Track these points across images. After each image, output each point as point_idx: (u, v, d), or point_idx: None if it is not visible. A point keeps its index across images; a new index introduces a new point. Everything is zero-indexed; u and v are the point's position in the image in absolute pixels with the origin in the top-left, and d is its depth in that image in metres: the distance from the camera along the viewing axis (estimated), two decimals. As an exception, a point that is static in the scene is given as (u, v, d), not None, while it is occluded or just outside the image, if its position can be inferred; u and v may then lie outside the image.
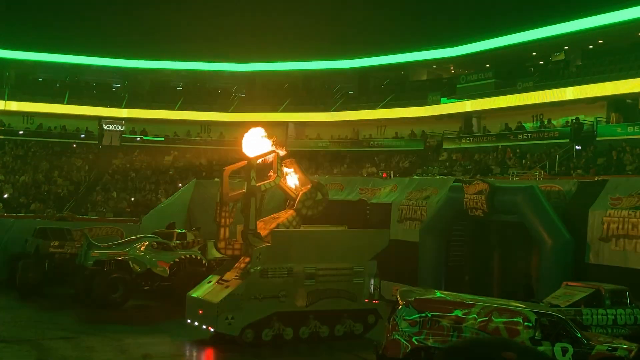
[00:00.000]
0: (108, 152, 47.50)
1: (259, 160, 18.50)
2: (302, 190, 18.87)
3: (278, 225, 18.24)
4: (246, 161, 18.38)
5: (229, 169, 18.62)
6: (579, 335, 13.12)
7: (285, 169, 18.99)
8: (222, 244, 18.22)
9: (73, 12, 61.32)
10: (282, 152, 18.95)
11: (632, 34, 32.78)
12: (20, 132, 48.15)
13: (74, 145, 48.63)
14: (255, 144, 18.84)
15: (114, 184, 43.85)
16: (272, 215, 19.06)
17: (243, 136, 19.16)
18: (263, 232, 17.89)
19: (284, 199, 20.09)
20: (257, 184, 17.96)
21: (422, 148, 40.12)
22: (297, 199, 18.73)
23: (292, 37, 57.96)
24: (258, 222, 18.03)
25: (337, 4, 64.76)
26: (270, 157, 18.65)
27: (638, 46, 33.14)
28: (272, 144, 18.92)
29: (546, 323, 13.06)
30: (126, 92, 52.26)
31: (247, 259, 17.53)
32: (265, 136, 19.00)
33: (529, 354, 11.51)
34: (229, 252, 18.30)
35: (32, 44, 48.87)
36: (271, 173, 18.63)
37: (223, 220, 18.07)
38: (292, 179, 19.16)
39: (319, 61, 48.55)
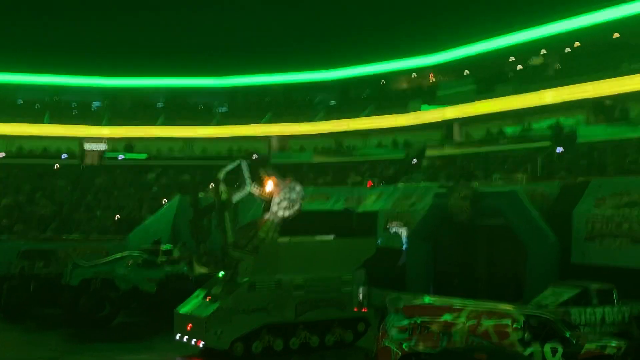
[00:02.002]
0: (90, 172, 47.23)
1: (228, 169, 18.38)
2: (276, 192, 18.68)
3: (257, 232, 18.06)
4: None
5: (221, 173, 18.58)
6: (568, 335, 13.15)
7: (255, 177, 18.81)
8: (203, 259, 18.15)
9: (50, 33, 61.15)
10: (246, 160, 18.78)
11: (607, 35, 33.22)
12: (1, 154, 47.73)
13: (56, 166, 48.26)
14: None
15: (97, 203, 43.55)
16: (250, 222, 18.92)
17: (227, 151, 19.05)
18: (243, 242, 17.79)
19: (259, 204, 19.90)
20: (229, 197, 17.84)
21: (405, 156, 40.25)
22: (272, 202, 18.57)
23: (272, 50, 58.15)
24: (237, 231, 17.96)
25: (315, 16, 65.04)
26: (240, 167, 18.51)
27: (615, 47, 33.56)
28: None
29: (535, 324, 13.07)
30: (107, 111, 52.06)
31: (231, 271, 17.45)
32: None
33: (499, 354, 11.70)
34: (212, 266, 18.22)
35: (10, 66, 48.60)
36: (241, 182, 18.50)
37: (200, 235, 18.00)
38: (264, 182, 18.95)
39: (299, 73, 48.73)
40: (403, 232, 24.34)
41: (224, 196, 17.70)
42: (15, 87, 50.19)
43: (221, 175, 18.11)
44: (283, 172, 19.85)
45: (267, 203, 18.84)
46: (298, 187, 18.81)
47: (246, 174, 18.29)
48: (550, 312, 14.50)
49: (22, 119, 48.70)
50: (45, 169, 47.56)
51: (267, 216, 18.49)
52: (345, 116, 46.11)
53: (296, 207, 18.64)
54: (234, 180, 19.08)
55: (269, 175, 18.77)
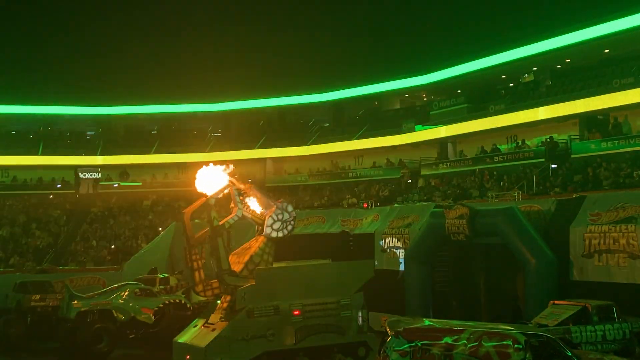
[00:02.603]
0: (85, 201, 47.08)
1: (219, 196, 18.25)
2: (267, 214, 18.55)
3: (251, 256, 17.90)
4: (204, 199, 18.17)
5: (188, 211, 18.43)
6: (570, 354, 13.09)
7: (246, 200, 18.71)
8: (199, 287, 17.99)
9: (43, 64, 61.43)
10: (237, 184, 18.61)
11: (598, 51, 33.37)
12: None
13: (51, 196, 48.11)
14: (209, 181, 18.55)
15: (93, 232, 43.38)
16: (243, 246, 18.74)
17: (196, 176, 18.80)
18: (238, 267, 17.66)
19: (251, 225, 19.73)
20: (220, 223, 17.71)
21: (399, 176, 40.28)
22: (265, 224, 18.44)
23: (264, 73, 58.44)
24: (231, 257, 17.83)
25: (307, 38, 65.51)
26: (227, 190, 18.38)
27: (604, 63, 33.74)
28: (228, 175, 18.64)
29: (536, 344, 13.02)
30: (101, 139, 52.01)
31: (228, 298, 17.34)
32: (220, 170, 18.66)
33: None
34: (209, 294, 18.09)
35: (3, 97, 48.63)
36: (232, 206, 18.37)
37: (195, 263, 17.84)
38: (255, 205, 18.82)
39: (292, 96, 48.85)
40: (400, 253, 24.30)
41: (215, 223, 17.58)
42: (8, 117, 50.07)
43: (211, 201, 17.98)
44: (277, 194, 19.75)
45: (259, 226, 18.74)
46: (290, 208, 18.68)
47: (237, 198, 18.18)
48: (551, 331, 14.45)
49: (16, 149, 48.60)
50: (40, 199, 47.41)
51: (260, 239, 18.36)
52: (339, 137, 46.18)
53: (289, 227, 18.51)
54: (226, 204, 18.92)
55: (260, 196, 18.63)
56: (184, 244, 18.36)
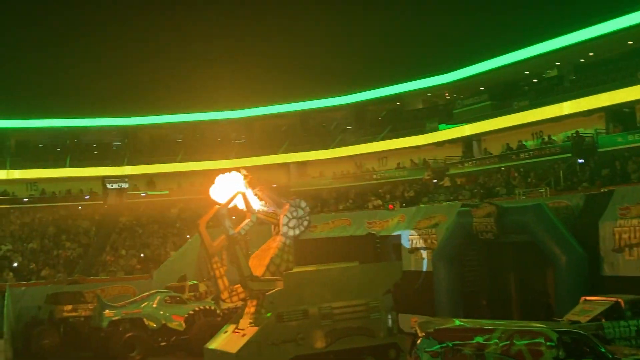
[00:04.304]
0: (114, 211, 47.55)
1: (229, 206, 18.20)
2: (282, 213, 18.52)
3: (271, 258, 17.91)
4: (217, 207, 18.17)
5: (203, 221, 18.47)
6: (603, 350, 12.94)
7: (260, 202, 18.65)
8: (225, 294, 18.07)
9: (68, 78, 62.25)
10: (248, 189, 18.54)
11: (621, 43, 32.98)
12: (25, 199, 48.27)
13: (80, 207, 48.68)
14: (223, 189, 18.55)
15: (122, 242, 43.78)
16: (262, 247, 18.79)
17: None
18: (259, 271, 17.69)
19: (268, 226, 19.68)
20: (236, 231, 17.71)
21: (424, 176, 40.09)
22: (281, 223, 18.42)
23: (285, 78, 58.59)
24: (251, 260, 17.88)
25: (327, 41, 65.59)
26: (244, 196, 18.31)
27: (628, 55, 33.31)
28: (242, 177, 18.59)
29: (568, 341, 12.89)
30: (127, 149, 52.58)
31: (255, 302, 17.39)
32: (235, 178, 18.62)
33: None
34: (235, 299, 18.15)
35: (30, 111, 49.42)
36: (245, 211, 18.34)
37: (217, 271, 17.92)
38: (268, 205, 18.76)
39: (314, 100, 48.91)
40: (424, 254, 24.20)
41: (230, 231, 17.57)
42: (36, 131, 50.89)
43: (223, 210, 17.96)
44: (302, 198, 19.66)
45: (275, 226, 18.74)
46: (303, 204, 18.69)
47: (249, 202, 18.14)
48: (583, 328, 14.30)
49: (44, 162, 49.34)
50: (69, 211, 48.00)
51: (278, 239, 18.34)
52: (362, 139, 46.14)
53: (305, 223, 18.51)
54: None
55: (266, 194, 18.60)
56: (204, 253, 18.43)
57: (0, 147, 50.07)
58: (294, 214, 18.32)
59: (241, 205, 18.31)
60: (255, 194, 18.66)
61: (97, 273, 37.67)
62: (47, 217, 46.91)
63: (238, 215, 18.98)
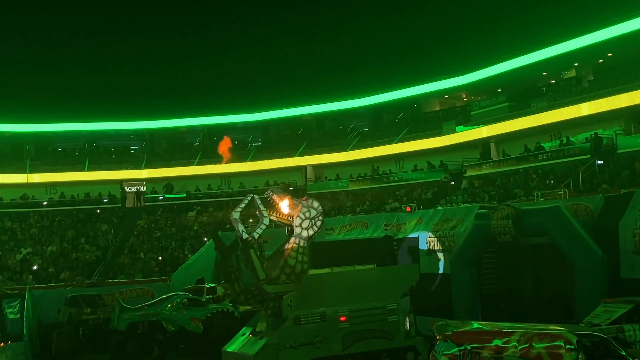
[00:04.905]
0: (132, 214, 47.81)
1: (240, 209, 18.09)
2: (294, 214, 18.42)
3: (286, 260, 17.79)
4: (228, 214, 18.11)
5: (215, 226, 18.42)
6: (624, 354, 12.79)
7: (272, 204, 18.53)
8: (241, 298, 18.03)
9: (86, 83, 62.74)
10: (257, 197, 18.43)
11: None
12: (44, 202, 48.76)
13: (98, 211, 49.08)
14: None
15: (140, 245, 44.06)
16: (277, 249, 18.75)
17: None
18: (275, 273, 17.65)
19: (282, 228, 19.58)
20: (249, 235, 17.72)
21: (441, 178, 39.95)
22: (294, 224, 18.33)
23: (301, 81, 58.65)
24: (267, 262, 17.84)
25: (343, 44, 65.59)
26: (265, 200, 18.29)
27: (648, 55, 33.06)
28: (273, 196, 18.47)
29: (588, 344, 12.77)
30: (145, 153, 52.97)
31: (271, 305, 17.37)
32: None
33: None
34: (252, 302, 18.13)
35: (49, 115, 49.91)
36: (257, 214, 18.24)
37: (232, 275, 17.89)
38: (281, 207, 18.67)
39: (330, 102, 48.97)
40: (441, 256, 24.08)
41: (244, 236, 17.50)
42: (54, 135, 51.48)
43: (236, 215, 17.88)
44: (319, 201, 19.53)
45: (289, 227, 18.63)
46: (315, 204, 18.47)
47: (260, 207, 18.03)
48: (603, 331, 14.15)
49: (63, 166, 49.86)
50: (87, 214, 48.39)
51: (292, 241, 18.23)
52: (379, 142, 46.14)
53: (318, 223, 18.29)
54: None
55: (280, 196, 18.49)
56: (218, 257, 18.42)
57: (19, 151, 50.65)
58: (307, 214, 18.15)
59: (256, 207, 18.24)
60: (268, 199, 18.54)
61: (115, 276, 37.94)
62: (66, 220, 47.34)
63: (253, 218, 18.92)
